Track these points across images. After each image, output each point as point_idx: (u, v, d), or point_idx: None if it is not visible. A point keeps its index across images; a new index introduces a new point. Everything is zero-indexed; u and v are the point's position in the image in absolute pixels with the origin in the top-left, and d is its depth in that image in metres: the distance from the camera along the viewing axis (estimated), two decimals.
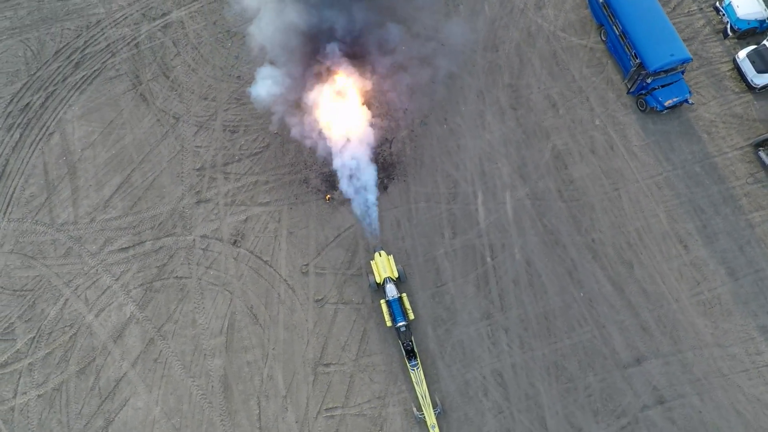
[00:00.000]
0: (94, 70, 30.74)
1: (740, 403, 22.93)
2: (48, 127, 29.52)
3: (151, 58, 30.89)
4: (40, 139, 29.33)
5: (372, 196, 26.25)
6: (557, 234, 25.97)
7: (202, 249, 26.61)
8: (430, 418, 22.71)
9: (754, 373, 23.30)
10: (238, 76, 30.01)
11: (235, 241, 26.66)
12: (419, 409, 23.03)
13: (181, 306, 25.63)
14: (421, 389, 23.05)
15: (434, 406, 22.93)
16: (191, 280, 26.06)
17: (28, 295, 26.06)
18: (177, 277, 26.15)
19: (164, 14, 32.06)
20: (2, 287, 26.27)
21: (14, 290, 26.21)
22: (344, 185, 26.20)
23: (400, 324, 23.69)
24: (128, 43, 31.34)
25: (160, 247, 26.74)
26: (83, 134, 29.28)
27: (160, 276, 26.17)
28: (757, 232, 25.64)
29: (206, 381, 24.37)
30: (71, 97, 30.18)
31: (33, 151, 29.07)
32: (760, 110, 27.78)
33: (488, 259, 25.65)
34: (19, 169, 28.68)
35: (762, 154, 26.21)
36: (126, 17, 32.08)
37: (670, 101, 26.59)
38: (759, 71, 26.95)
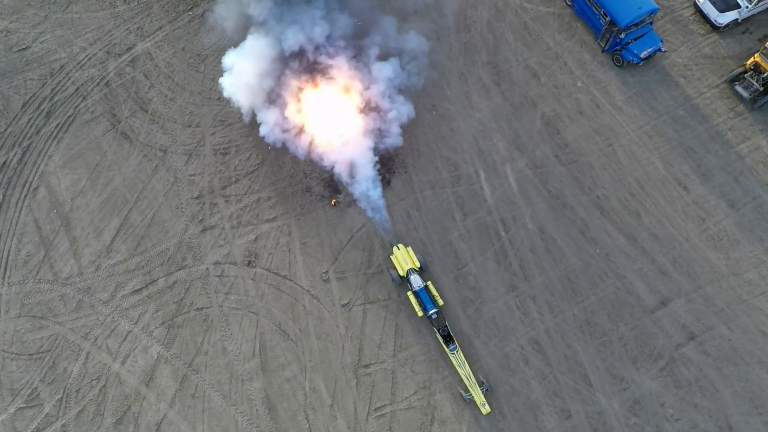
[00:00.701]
0: (68, 117, 29.86)
1: (765, 325, 24.00)
2: (31, 183, 28.54)
3: (125, 95, 30.19)
4: (26, 196, 28.32)
5: (375, 191, 26.39)
6: (563, 197, 26.60)
7: (218, 276, 26.22)
8: (479, 396, 22.99)
9: None
10: (219, 98, 29.62)
11: (250, 262, 26.35)
12: (466, 390, 23.27)
13: (207, 337, 25.20)
14: (465, 371, 23.30)
15: (480, 384, 23.22)
16: (213, 309, 25.65)
17: (46, 356, 25.18)
18: (197, 308, 25.69)
19: (129, 48, 31.38)
20: (17, 354, 25.30)
21: (30, 354, 25.28)
22: (347, 184, 26.32)
23: (432, 312, 23.89)
24: (98, 84, 30.55)
25: (174, 282, 26.21)
26: (70, 183, 28.42)
27: (180, 311, 25.67)
28: (748, 162, 26.83)
29: (249, 406, 24.05)
30: (49, 147, 29.25)
31: (20, 210, 28.06)
32: (727, 47, 29.04)
33: (502, 234, 26.08)
34: (8, 230, 27.64)
35: (738, 88, 27.39)
36: (90, 58, 31.25)
37: (645, 52, 27.53)
38: (721, 11, 28.16)
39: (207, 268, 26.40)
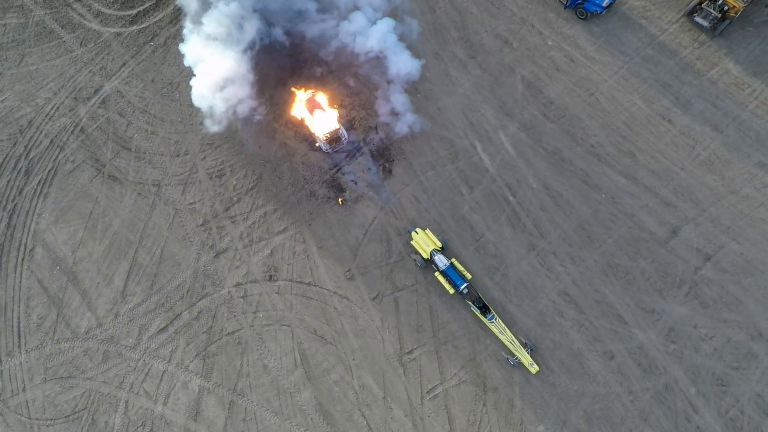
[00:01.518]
0: (49, 171, 28.92)
1: None
2: (25, 245, 27.53)
3: (104, 137, 29.43)
4: (23, 260, 27.31)
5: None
6: (559, 152, 27.41)
7: (241, 297, 25.94)
8: (525, 358, 23.53)
9: None
10: (201, 122, 29.21)
11: (271, 277, 26.17)
12: (511, 354, 23.78)
13: (245, 359, 24.93)
14: (507, 336, 23.80)
15: (524, 346, 23.77)
16: (244, 331, 25.37)
17: (83, 415, 24.42)
18: (229, 333, 25.37)
19: (97, 90, 30.58)
20: (52, 419, 24.45)
21: (66, 417, 24.47)
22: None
23: (463, 287, 24.28)
24: (72, 132, 29.68)
25: (199, 313, 25.80)
26: (67, 237, 27.56)
27: (211, 339, 25.29)
28: (720, 86, 28.23)
29: (303, 417, 23.94)
30: (36, 206, 28.26)
31: (20, 274, 27.04)
32: None
33: (510, 198, 26.69)
34: (13, 297, 26.60)
35: (697, 18, 28.76)
36: (58, 107, 30.31)
37: (606, 1, 28.58)
38: None
39: (229, 292, 26.07)
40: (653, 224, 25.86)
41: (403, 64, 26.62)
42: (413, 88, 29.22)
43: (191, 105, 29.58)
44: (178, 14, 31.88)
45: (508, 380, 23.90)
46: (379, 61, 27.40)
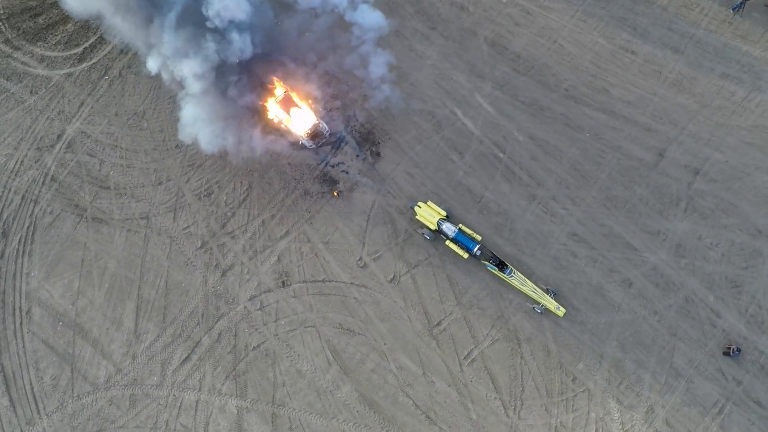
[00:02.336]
0: (27, 228, 27.62)
1: (746, 137, 26.60)
2: (20, 308, 26.25)
3: (78, 182, 28.31)
4: (21, 324, 26.03)
5: None
6: (537, 102, 27.95)
7: (259, 309, 25.46)
8: (551, 303, 23.96)
9: (739, 109, 27.04)
10: (176, 145, 28.46)
11: (284, 282, 25.77)
12: (536, 303, 24.16)
13: (277, 369, 24.51)
14: (528, 287, 24.17)
15: (547, 292, 24.19)
16: (269, 341, 24.93)
17: None
18: (254, 348, 24.88)
19: (59, 136, 29.36)
20: None
21: None
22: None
23: (476, 248, 24.51)
24: (43, 183, 28.41)
25: (219, 334, 25.19)
26: (63, 290, 26.42)
27: (238, 358, 24.74)
28: (671, 10, 29.35)
29: (349, 412, 23.72)
30: (22, 266, 26.96)
31: (22, 339, 25.78)
32: None
33: (501, 155, 27.07)
34: (20, 364, 25.35)
35: None
36: (21, 161, 28.96)
37: None
38: None
39: (244, 307, 25.55)
40: (640, 151, 26.70)
41: (370, 21, 26.46)
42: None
43: (162, 130, 28.85)
44: (126, 44, 30.90)
45: (539, 328, 24.28)
46: (348, 49, 27.28)
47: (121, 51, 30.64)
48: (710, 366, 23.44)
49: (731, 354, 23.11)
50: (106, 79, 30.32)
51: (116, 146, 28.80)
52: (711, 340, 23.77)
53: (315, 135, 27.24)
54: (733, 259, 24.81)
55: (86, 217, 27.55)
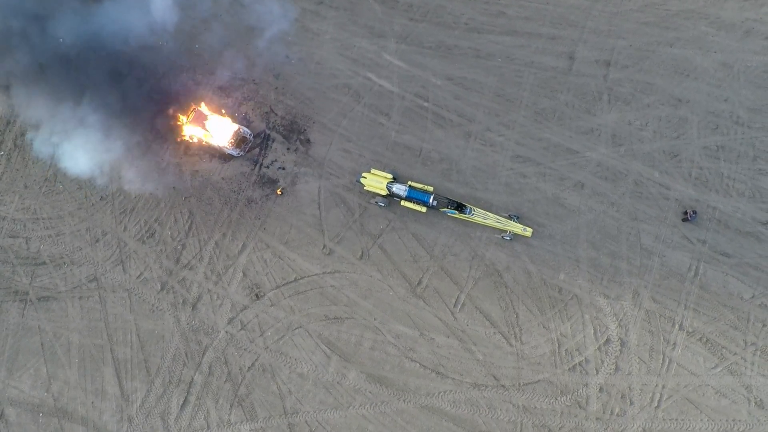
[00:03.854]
0: None
1: (640, 19, 27.69)
2: None
3: (9, 267, 26.41)
4: None
5: None
6: (443, 43, 28.04)
7: (241, 330, 24.73)
8: (516, 227, 24.42)
9: None
10: (101, 197, 26.95)
11: (257, 295, 25.08)
12: (504, 231, 24.57)
13: (278, 379, 23.97)
14: (491, 219, 24.51)
15: (510, 218, 24.62)
16: (262, 356, 24.30)
17: None
18: (249, 368, 24.20)
19: None
20: None
21: None
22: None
23: (431, 199, 24.58)
24: None
25: (210, 367, 24.34)
26: (32, 380, 24.79)
27: (236, 384, 24.02)
28: None
29: (362, 396, 23.54)
30: None
31: None
32: None
33: (425, 104, 27.11)
34: None
35: None
36: None
37: None
38: None
39: (226, 332, 24.74)
40: (551, 60, 27.35)
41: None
42: (284, 57, 28.48)
43: (80, 187, 27.20)
44: (10, 114, 28.76)
45: (514, 255, 24.75)
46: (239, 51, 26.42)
47: (8, 123, 28.55)
48: (675, 236, 24.62)
49: (689, 218, 24.33)
50: (2, 155, 28.21)
51: (37, 219, 26.97)
52: (668, 212, 24.93)
53: (239, 141, 26.40)
54: (664, 132, 25.99)
55: (30, 300, 25.79)
